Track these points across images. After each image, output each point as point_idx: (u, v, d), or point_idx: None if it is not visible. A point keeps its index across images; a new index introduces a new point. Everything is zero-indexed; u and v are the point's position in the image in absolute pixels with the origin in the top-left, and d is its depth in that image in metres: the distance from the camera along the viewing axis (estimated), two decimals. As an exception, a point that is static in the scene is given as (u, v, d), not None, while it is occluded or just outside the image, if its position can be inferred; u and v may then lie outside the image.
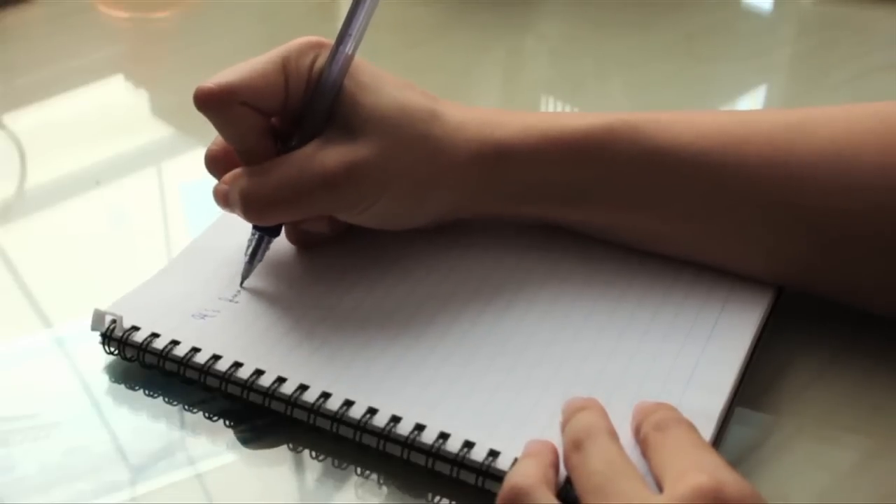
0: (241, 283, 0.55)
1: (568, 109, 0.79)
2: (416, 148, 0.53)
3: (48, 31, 0.84)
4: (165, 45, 0.86)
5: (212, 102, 0.51)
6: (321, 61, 0.53)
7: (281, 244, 0.58)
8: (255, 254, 0.55)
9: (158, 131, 0.74)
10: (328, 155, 0.52)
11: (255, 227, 0.55)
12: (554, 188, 0.55)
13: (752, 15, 0.96)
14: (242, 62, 0.52)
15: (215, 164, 0.55)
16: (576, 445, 0.43)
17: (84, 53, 0.82)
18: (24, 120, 0.75)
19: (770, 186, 0.52)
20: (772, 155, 0.52)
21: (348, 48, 0.53)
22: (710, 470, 0.40)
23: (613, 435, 0.44)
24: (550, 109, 0.79)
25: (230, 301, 0.54)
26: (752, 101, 0.83)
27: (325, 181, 0.51)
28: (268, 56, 0.53)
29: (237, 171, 0.53)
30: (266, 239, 0.55)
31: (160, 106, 0.77)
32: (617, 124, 0.54)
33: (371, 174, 0.52)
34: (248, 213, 0.52)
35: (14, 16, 0.85)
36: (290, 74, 0.53)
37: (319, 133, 0.53)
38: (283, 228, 0.57)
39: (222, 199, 0.54)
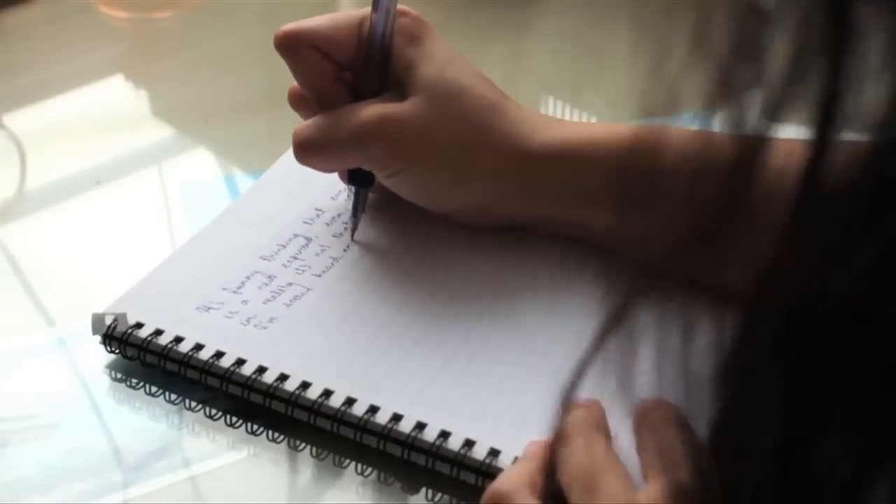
0: (352, 237, 0.57)
1: (568, 109, 0.79)
2: (464, 127, 0.54)
3: (48, 31, 0.84)
4: (165, 45, 0.86)
5: (285, 42, 0.54)
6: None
7: (282, 244, 0.58)
8: (356, 207, 0.57)
9: (158, 131, 0.74)
10: (368, 108, 0.53)
11: (350, 180, 0.57)
12: (595, 190, 0.54)
13: (752, 15, 0.96)
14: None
15: (297, 102, 0.58)
16: (562, 440, 0.44)
17: (84, 53, 0.82)
18: (24, 120, 0.75)
19: None
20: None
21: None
22: (692, 466, 0.40)
23: (602, 431, 0.44)
24: (550, 109, 0.79)
25: (234, 292, 0.54)
26: (752, 101, 0.82)
27: (357, 132, 0.53)
28: (350, 11, 0.55)
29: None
30: (363, 191, 0.57)
31: (160, 106, 0.77)
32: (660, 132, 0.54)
33: (406, 135, 0.53)
34: (295, 154, 0.55)
35: (14, 16, 0.85)
36: (365, 32, 0.54)
37: (381, 91, 0.54)
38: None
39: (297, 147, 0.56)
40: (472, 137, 0.54)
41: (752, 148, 0.26)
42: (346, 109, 0.54)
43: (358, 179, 0.57)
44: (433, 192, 0.56)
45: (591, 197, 0.54)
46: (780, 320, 0.26)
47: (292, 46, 0.55)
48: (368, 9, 0.55)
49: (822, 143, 0.24)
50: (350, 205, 0.57)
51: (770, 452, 0.26)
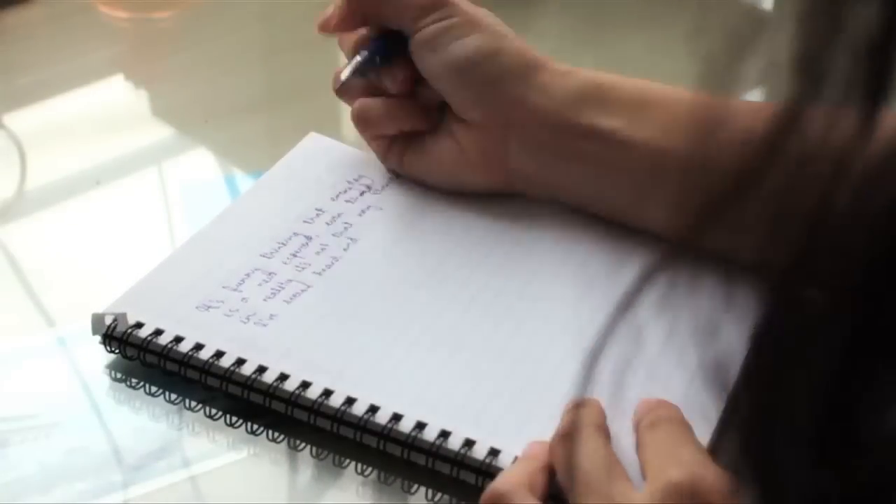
0: (342, 82, 0.58)
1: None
2: (513, 56, 0.57)
3: (48, 31, 0.84)
4: (165, 45, 0.86)
5: None
6: None
7: (284, 242, 0.58)
8: (361, 63, 0.58)
9: (158, 131, 0.74)
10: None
11: (372, 39, 0.58)
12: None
13: (752, 15, 0.96)
14: None
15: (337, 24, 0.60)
16: (561, 439, 0.44)
17: (84, 53, 0.82)
18: (24, 120, 0.75)
19: None
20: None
21: None
22: (688, 465, 0.40)
23: (601, 430, 0.44)
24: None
25: (234, 290, 0.54)
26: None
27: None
28: None
29: None
30: (377, 59, 0.58)
31: (160, 106, 0.77)
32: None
33: (461, 19, 0.56)
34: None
35: (14, 16, 0.85)
36: None
37: None
38: (353, 117, 0.61)
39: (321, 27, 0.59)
40: (519, 66, 0.57)
41: (791, 119, 0.26)
42: None
43: (380, 44, 0.58)
44: (469, 108, 0.58)
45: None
46: (832, 290, 0.25)
47: None
48: None
49: (872, 111, 0.24)
50: (360, 57, 0.58)
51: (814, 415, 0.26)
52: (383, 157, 0.61)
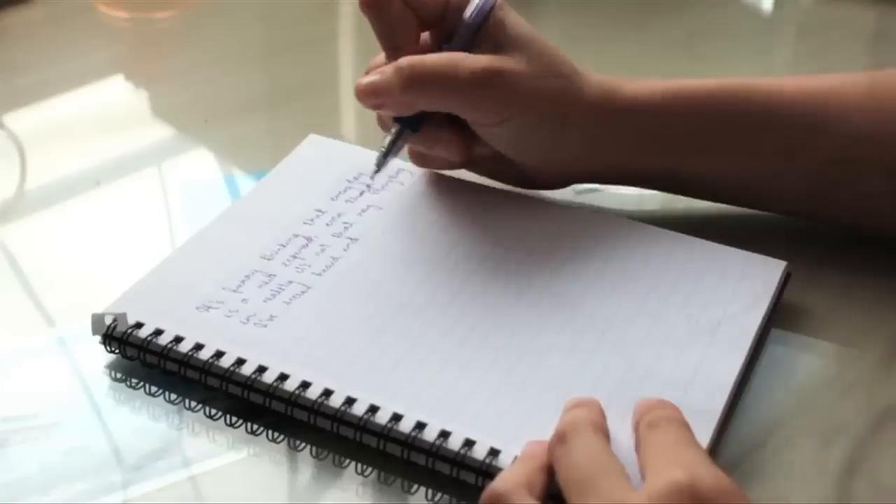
0: (372, 176, 0.57)
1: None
2: (564, 82, 0.57)
3: (48, 31, 0.84)
4: (165, 45, 0.86)
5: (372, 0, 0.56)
6: None
7: (286, 242, 0.58)
8: (391, 148, 0.57)
9: (158, 131, 0.74)
10: (480, 57, 0.55)
11: (396, 119, 0.57)
12: (677, 141, 0.58)
13: (752, 15, 0.96)
14: None
15: (373, 9, 0.57)
16: (560, 439, 0.44)
17: (84, 53, 0.82)
18: (24, 120, 0.75)
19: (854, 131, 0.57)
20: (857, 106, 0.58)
21: None
22: (687, 466, 0.41)
23: (600, 430, 0.44)
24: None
25: (234, 291, 0.54)
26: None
27: (476, 77, 0.55)
28: None
29: (386, 66, 0.56)
30: (404, 135, 0.57)
31: (160, 106, 0.77)
32: (736, 84, 0.59)
33: (518, 85, 0.55)
34: (401, 83, 0.54)
35: (14, 16, 0.85)
36: None
37: (468, 49, 0.56)
38: (409, 151, 0.60)
39: (365, 88, 0.55)
40: (570, 91, 0.57)
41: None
42: (460, 56, 0.55)
43: (407, 121, 0.57)
44: (532, 141, 0.58)
45: (678, 143, 0.59)
46: None
47: (379, 3, 0.56)
48: None
49: None
50: (386, 142, 0.57)
51: None
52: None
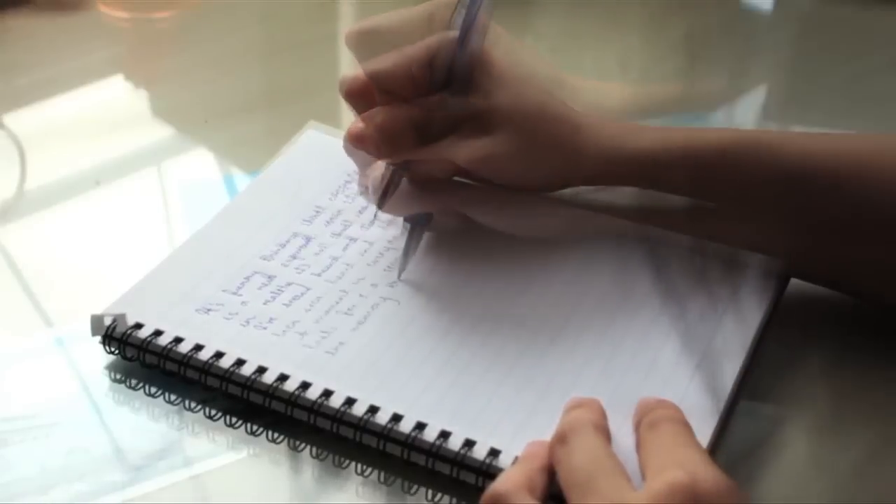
0: (399, 276, 0.56)
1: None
2: (554, 151, 0.54)
3: (48, 31, 0.84)
4: (165, 45, 0.86)
5: (357, 38, 0.54)
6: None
7: (285, 243, 0.58)
8: (408, 247, 0.56)
9: (158, 131, 0.74)
10: (463, 147, 0.53)
11: (405, 220, 0.56)
12: (681, 203, 0.55)
13: (752, 15, 0.96)
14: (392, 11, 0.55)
15: (357, 94, 0.55)
16: (561, 440, 0.44)
17: (84, 53, 0.82)
18: (24, 120, 0.75)
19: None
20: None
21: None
22: (687, 466, 0.41)
23: (600, 430, 0.44)
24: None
25: (234, 294, 0.54)
26: (752, 101, 0.83)
27: (460, 171, 0.54)
28: (417, 7, 0.55)
29: (376, 109, 0.54)
30: (419, 230, 0.56)
31: (160, 106, 0.77)
32: (746, 141, 0.54)
33: (505, 171, 0.54)
34: (383, 142, 0.53)
35: (14, 16, 0.85)
36: (434, 26, 0.54)
37: (448, 83, 0.53)
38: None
39: (354, 135, 0.53)
40: (562, 161, 0.54)
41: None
42: (440, 146, 0.53)
43: (416, 218, 0.56)
44: (532, 191, 0.57)
45: (681, 207, 0.55)
46: None
47: (363, 42, 0.54)
48: (435, 3, 0.54)
49: None
50: (404, 242, 0.56)
51: None
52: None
